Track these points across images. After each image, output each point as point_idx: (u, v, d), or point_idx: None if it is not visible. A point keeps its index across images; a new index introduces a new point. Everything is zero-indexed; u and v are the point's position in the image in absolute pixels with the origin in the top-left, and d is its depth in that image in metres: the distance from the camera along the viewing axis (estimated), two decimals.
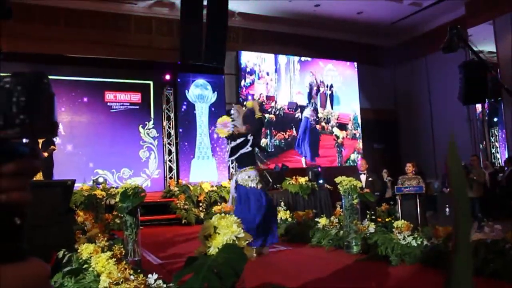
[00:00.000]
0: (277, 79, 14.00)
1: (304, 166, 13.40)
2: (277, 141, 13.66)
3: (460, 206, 0.58)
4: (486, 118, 13.99)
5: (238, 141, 5.97)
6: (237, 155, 6.00)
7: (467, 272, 0.57)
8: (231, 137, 6.05)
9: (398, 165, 11.58)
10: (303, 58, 14.31)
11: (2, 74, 0.57)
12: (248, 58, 13.46)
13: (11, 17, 0.61)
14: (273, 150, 13.38)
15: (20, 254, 0.57)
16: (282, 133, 13.79)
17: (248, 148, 5.99)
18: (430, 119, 14.21)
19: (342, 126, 14.87)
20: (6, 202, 0.56)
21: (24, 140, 0.58)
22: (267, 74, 13.82)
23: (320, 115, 14.48)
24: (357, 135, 15.03)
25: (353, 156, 14.68)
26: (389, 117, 15.48)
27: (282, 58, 14.04)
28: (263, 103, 13.44)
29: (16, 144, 0.57)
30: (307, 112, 14.38)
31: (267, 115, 13.30)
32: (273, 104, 13.77)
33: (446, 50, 5.53)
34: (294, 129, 13.94)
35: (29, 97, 0.55)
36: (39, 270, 0.59)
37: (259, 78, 13.63)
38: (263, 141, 13.11)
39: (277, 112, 13.80)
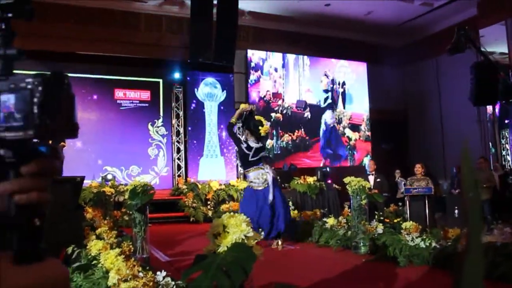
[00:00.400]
0: (284, 75, 13.52)
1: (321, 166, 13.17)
2: (283, 142, 13.26)
3: (472, 208, 0.58)
4: (497, 119, 13.87)
5: (261, 144, 6.53)
6: (259, 156, 6.50)
7: (478, 274, 0.58)
8: (262, 138, 6.57)
9: (407, 166, 11.52)
10: None
11: (22, 73, 0.58)
12: (254, 52, 13.19)
13: (33, 17, 0.62)
14: (279, 152, 13.17)
15: (39, 255, 0.57)
16: (290, 133, 13.39)
17: (266, 153, 6.89)
18: (440, 120, 14.11)
19: (354, 127, 14.42)
20: (26, 203, 0.56)
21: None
22: (275, 70, 13.40)
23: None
24: (371, 137, 14.62)
25: (366, 160, 13.60)
26: (398, 117, 15.38)
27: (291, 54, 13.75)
28: (270, 101, 13.25)
29: (36, 145, 0.58)
30: (328, 116, 13.98)
31: (273, 114, 13.15)
32: (280, 102, 13.40)
33: (453, 51, 5.49)
34: (302, 129, 13.57)
35: (50, 98, 0.56)
36: (58, 272, 0.59)
37: (268, 75, 13.27)
38: (269, 142, 12.95)
39: (285, 111, 13.42)
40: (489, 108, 12.86)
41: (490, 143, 12.83)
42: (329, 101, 14.12)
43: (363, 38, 14.50)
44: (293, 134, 13.47)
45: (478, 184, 0.62)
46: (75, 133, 0.59)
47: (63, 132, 0.58)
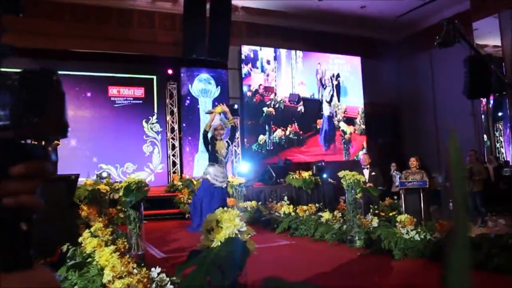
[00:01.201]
0: (276, 68, 13.33)
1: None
2: (276, 137, 13.11)
3: (458, 197, 0.58)
4: (491, 112, 13.91)
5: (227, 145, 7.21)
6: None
7: (464, 264, 0.57)
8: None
9: (402, 159, 11.55)
10: None
11: (9, 70, 0.55)
12: (247, 47, 13.07)
13: (20, 12, 0.60)
14: (272, 148, 13.09)
15: (26, 262, 0.54)
16: (283, 128, 13.26)
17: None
18: (434, 113, 14.14)
19: (349, 121, 14.28)
20: (14, 206, 0.53)
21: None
22: (267, 62, 13.24)
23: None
24: (365, 130, 14.51)
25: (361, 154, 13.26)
26: (393, 111, 15.41)
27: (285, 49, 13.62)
28: (263, 95, 13.16)
29: (26, 145, 0.55)
30: (327, 109, 13.80)
31: (265, 109, 13.09)
32: (272, 96, 13.27)
33: (442, 45, 5.51)
34: (296, 123, 13.45)
35: (38, 96, 0.54)
36: (46, 280, 0.56)
37: (262, 69, 13.13)
38: (261, 138, 12.92)
39: (277, 105, 13.27)
40: (483, 101, 12.90)
41: (485, 136, 12.87)
42: (323, 96, 14.06)
43: (357, 33, 14.48)
44: (286, 129, 13.34)
45: (464, 168, 0.62)
46: (65, 133, 0.57)
47: (52, 131, 0.56)
